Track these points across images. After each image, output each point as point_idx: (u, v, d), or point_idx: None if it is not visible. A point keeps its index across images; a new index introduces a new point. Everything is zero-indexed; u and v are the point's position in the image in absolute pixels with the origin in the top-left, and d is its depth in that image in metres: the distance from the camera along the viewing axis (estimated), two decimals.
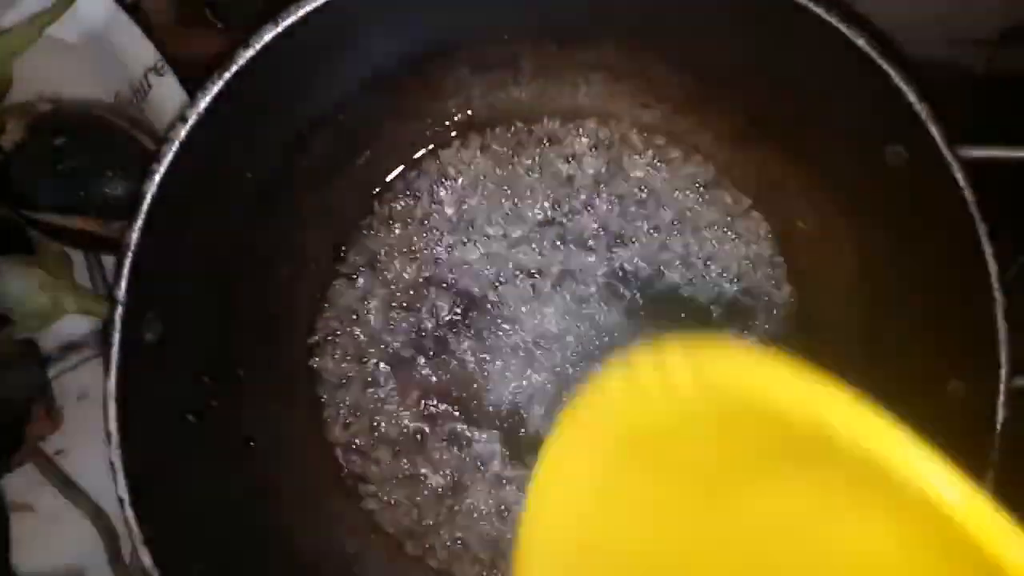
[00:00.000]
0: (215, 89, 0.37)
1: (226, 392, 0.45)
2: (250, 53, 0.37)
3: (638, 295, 0.50)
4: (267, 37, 0.38)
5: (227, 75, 0.37)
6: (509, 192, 0.51)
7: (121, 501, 0.37)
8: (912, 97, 0.39)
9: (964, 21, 0.54)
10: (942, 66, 0.55)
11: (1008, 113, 0.55)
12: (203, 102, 0.37)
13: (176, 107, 0.45)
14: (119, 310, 0.37)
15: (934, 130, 0.39)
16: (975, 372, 0.41)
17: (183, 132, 0.37)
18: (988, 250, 0.39)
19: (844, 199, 0.48)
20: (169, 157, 0.37)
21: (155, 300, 0.39)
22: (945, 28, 0.54)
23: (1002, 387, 0.40)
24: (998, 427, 0.40)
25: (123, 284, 0.37)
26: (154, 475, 0.39)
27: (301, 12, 0.38)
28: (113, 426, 0.37)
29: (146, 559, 0.37)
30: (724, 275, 0.51)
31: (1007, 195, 0.41)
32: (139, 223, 0.37)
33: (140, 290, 0.38)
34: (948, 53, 0.55)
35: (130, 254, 0.37)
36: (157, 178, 0.37)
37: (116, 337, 0.37)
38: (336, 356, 0.50)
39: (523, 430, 0.50)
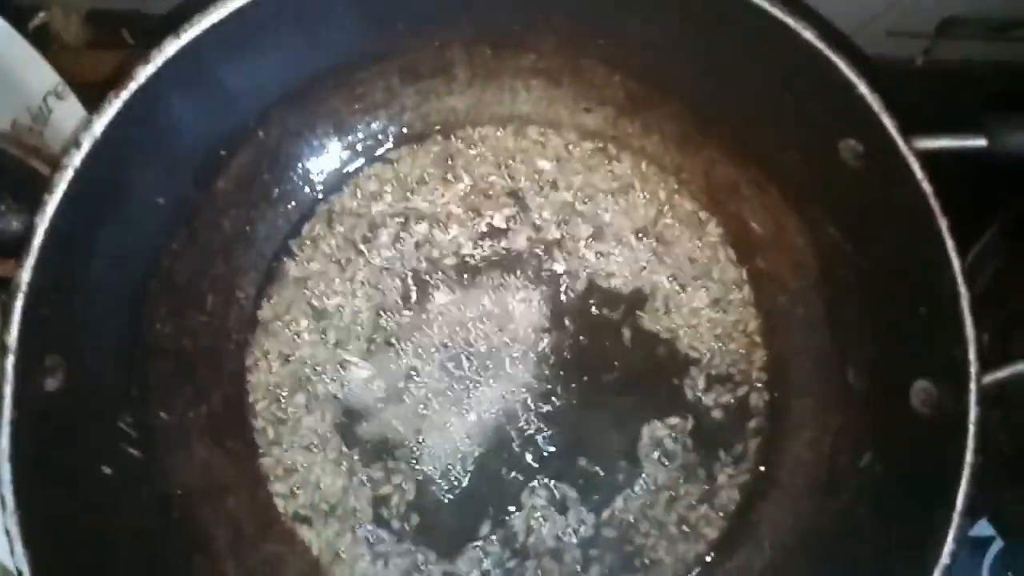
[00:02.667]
0: (112, 110, 0.34)
1: (147, 438, 0.41)
2: (150, 69, 0.34)
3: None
4: (169, 51, 0.34)
5: (125, 94, 0.34)
6: (447, 205, 0.48)
7: (20, 574, 0.33)
8: (864, 89, 0.38)
9: (901, 14, 0.54)
10: (882, 59, 0.55)
11: (948, 103, 0.55)
12: (99, 125, 0.34)
13: None
14: (9, 358, 0.33)
15: (887, 121, 0.38)
16: (943, 370, 0.40)
17: (78, 159, 0.34)
18: (950, 244, 0.38)
19: (798, 199, 0.46)
20: (63, 187, 0.34)
21: (55, 343, 0.35)
22: (883, 21, 0.54)
23: (972, 386, 0.38)
24: (971, 427, 0.38)
25: (14, 329, 0.33)
26: (63, 539, 0.35)
27: (205, 22, 0.35)
28: (7, 490, 0.33)
29: None
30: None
31: (953, 186, 0.40)
32: (31, 259, 0.33)
33: (36, 333, 0.34)
34: (887, 46, 0.55)
35: (21, 294, 0.33)
36: (50, 210, 0.34)
37: (7, 388, 0.33)
38: (269, 389, 0.47)
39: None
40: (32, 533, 0.33)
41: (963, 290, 0.38)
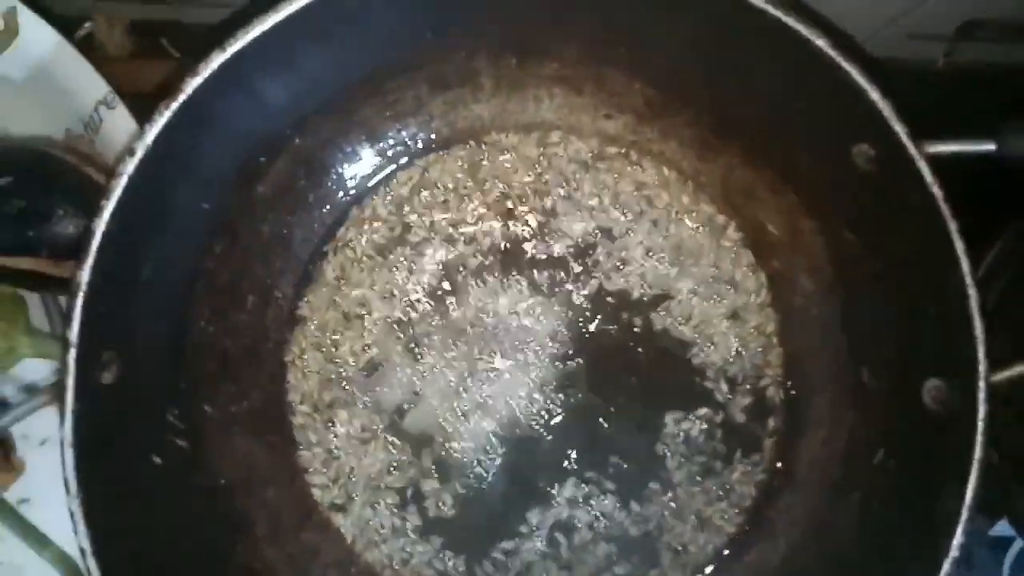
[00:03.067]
0: (163, 120, 0.36)
1: (193, 430, 0.44)
2: (197, 81, 0.36)
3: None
4: (214, 64, 0.37)
5: (175, 104, 0.36)
6: (475, 210, 0.50)
7: (83, 552, 0.35)
8: (875, 95, 0.39)
9: (922, 16, 0.54)
10: (903, 62, 0.55)
11: (968, 106, 0.55)
12: (151, 134, 0.36)
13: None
14: (72, 352, 0.35)
15: (898, 127, 0.39)
16: (954, 369, 0.41)
17: (131, 166, 0.36)
18: (959, 246, 0.39)
19: (813, 202, 0.47)
20: (118, 192, 0.36)
21: (111, 340, 0.38)
22: (904, 24, 0.54)
23: (982, 384, 0.39)
24: (979, 424, 0.39)
25: (75, 326, 0.35)
26: (119, 522, 0.37)
27: (248, 37, 0.37)
28: (71, 473, 0.35)
29: None
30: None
31: (969, 190, 0.41)
32: (89, 261, 0.36)
33: (94, 330, 0.37)
34: (908, 49, 0.55)
35: (81, 294, 0.36)
36: (107, 214, 0.36)
37: (70, 380, 0.36)
38: (306, 386, 0.49)
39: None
40: (93, 516, 0.36)
41: (972, 291, 0.39)
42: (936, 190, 0.39)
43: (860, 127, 0.41)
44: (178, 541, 0.41)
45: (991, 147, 0.39)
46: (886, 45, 0.53)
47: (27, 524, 0.47)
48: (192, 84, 0.37)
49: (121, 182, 0.36)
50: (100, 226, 0.36)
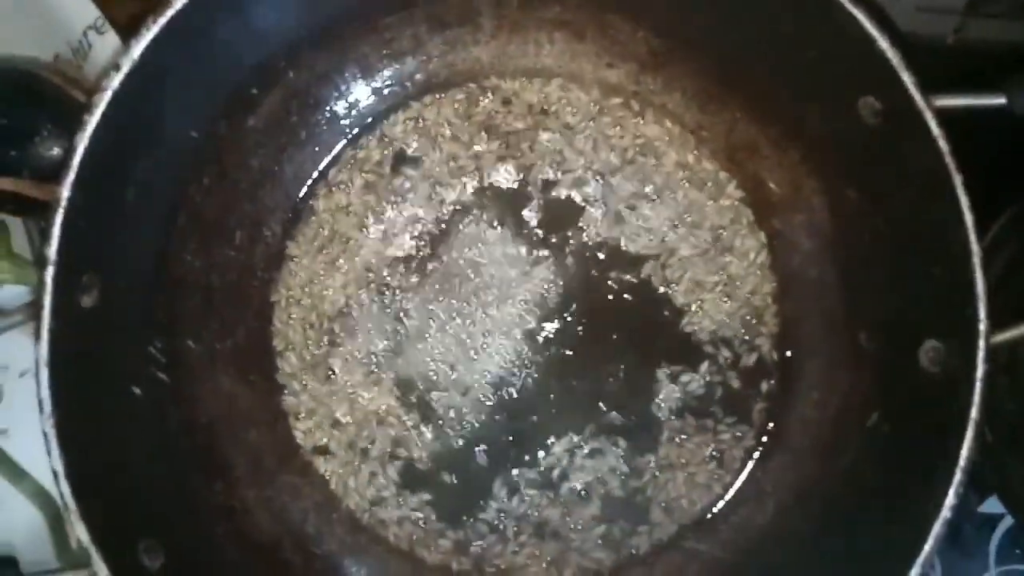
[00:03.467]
0: (150, 35, 0.35)
1: (175, 364, 0.43)
2: None
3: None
4: None
5: (163, 20, 0.35)
6: (470, 154, 0.49)
7: (55, 473, 0.35)
8: (884, 44, 0.38)
9: None
10: (912, 36, 0.54)
11: (977, 82, 0.54)
12: (137, 49, 0.35)
13: None
14: (50, 270, 0.34)
15: (906, 77, 0.38)
16: (953, 329, 0.40)
17: (116, 81, 0.35)
18: (964, 201, 0.38)
19: (816, 159, 0.46)
20: (102, 108, 0.35)
21: (92, 261, 0.37)
22: None
23: (981, 343, 0.39)
24: (978, 383, 0.38)
25: (53, 242, 0.35)
26: (93, 447, 0.37)
27: None
28: (45, 393, 0.35)
29: (83, 535, 0.35)
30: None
31: (981, 155, 0.40)
32: (71, 177, 0.35)
33: (74, 249, 0.36)
34: (918, 23, 0.54)
35: (61, 210, 0.35)
36: (89, 130, 0.35)
37: (47, 299, 0.35)
38: (293, 328, 0.48)
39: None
40: (66, 438, 0.35)
41: (975, 247, 0.38)
42: (942, 143, 0.38)
43: (867, 78, 0.40)
44: (154, 474, 0.41)
45: (1001, 100, 0.38)
46: (897, 19, 0.52)
47: (3, 455, 0.47)
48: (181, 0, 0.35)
49: (105, 97, 0.35)
50: (83, 142, 0.35)
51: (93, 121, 0.35)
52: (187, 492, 0.43)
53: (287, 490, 0.47)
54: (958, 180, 0.38)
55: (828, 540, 0.44)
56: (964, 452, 0.37)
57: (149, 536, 0.38)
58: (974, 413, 0.37)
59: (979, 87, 0.39)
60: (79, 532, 0.35)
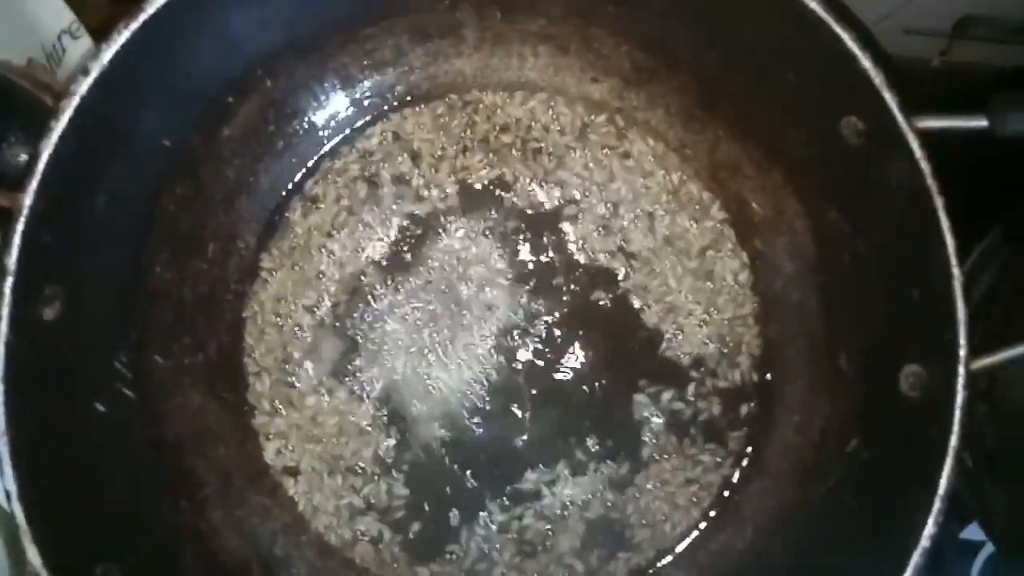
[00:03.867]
0: (121, 39, 0.34)
1: (142, 380, 0.42)
2: (160, 1, 0.34)
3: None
4: None
5: (135, 24, 0.34)
6: (449, 168, 0.49)
7: (7, 494, 0.33)
8: (867, 63, 0.37)
9: (918, 11, 0.53)
10: (898, 59, 0.54)
11: (962, 105, 0.55)
12: (108, 53, 0.34)
13: None
14: (8, 280, 0.33)
15: (889, 97, 0.37)
16: (933, 354, 0.39)
17: (85, 87, 0.34)
18: (945, 223, 0.37)
19: (799, 180, 0.46)
20: (69, 113, 0.34)
21: (56, 273, 0.36)
22: (900, 17, 0.54)
23: (961, 369, 0.38)
24: (957, 411, 0.38)
25: (13, 251, 0.33)
26: (51, 467, 0.35)
27: None
28: (1, 409, 0.33)
29: (35, 559, 0.33)
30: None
31: (957, 189, 0.40)
32: (34, 184, 0.34)
33: (37, 260, 0.34)
34: (904, 46, 0.55)
35: (23, 219, 0.34)
36: (55, 136, 0.34)
37: (5, 311, 0.33)
38: (265, 343, 0.47)
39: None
40: (21, 457, 0.34)
41: (956, 271, 0.38)
42: (924, 164, 0.38)
43: (850, 97, 0.39)
44: (117, 494, 0.39)
45: (983, 123, 0.38)
46: (883, 41, 0.52)
47: None
48: (155, 4, 0.34)
49: (73, 102, 0.34)
50: (48, 148, 0.34)
51: (59, 127, 0.34)
52: (151, 513, 0.41)
53: (256, 511, 0.46)
54: (940, 202, 0.38)
55: (807, 567, 0.43)
56: (943, 480, 0.37)
57: (108, 560, 0.37)
58: (953, 440, 0.37)
59: (962, 108, 0.39)
60: (30, 556, 0.34)
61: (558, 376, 0.48)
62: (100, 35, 0.42)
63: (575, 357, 0.48)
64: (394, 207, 0.48)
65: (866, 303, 0.44)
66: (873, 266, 0.43)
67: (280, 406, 0.47)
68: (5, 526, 0.46)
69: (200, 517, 0.44)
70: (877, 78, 0.37)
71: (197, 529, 0.43)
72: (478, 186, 0.49)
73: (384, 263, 0.48)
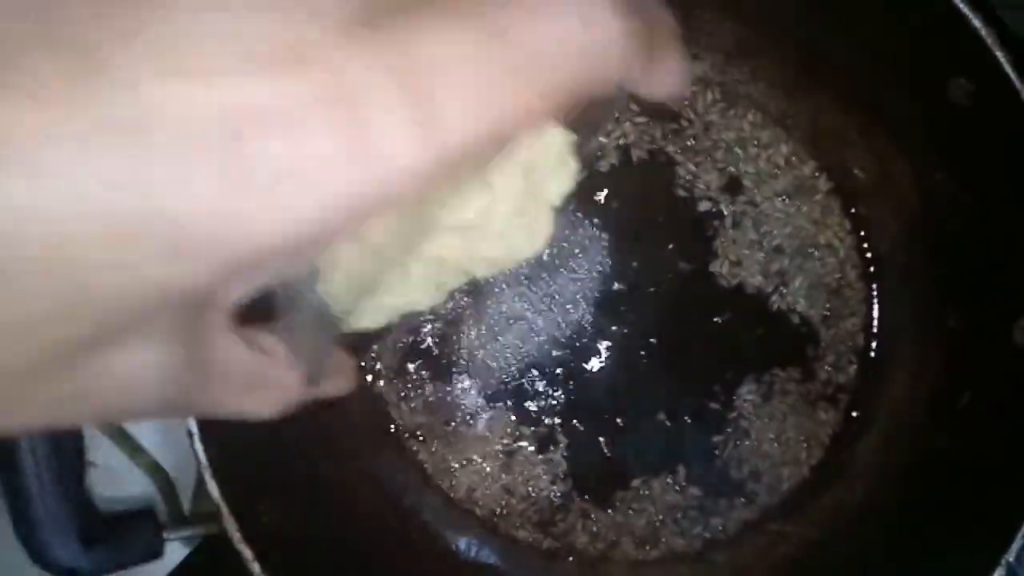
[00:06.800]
0: None
1: None
2: None
3: None
4: None
5: None
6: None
7: (190, 435, 0.37)
8: (977, 22, 0.38)
9: None
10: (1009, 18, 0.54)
11: None
12: None
13: None
14: None
15: (1001, 56, 0.38)
16: None
17: None
18: None
19: (905, 143, 0.47)
20: None
21: None
22: None
23: None
24: None
25: None
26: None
27: None
28: None
29: (214, 490, 0.37)
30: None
31: None
32: None
33: None
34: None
35: None
36: None
37: None
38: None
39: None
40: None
41: None
42: None
43: (959, 59, 0.40)
44: (270, 444, 0.43)
45: None
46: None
47: (123, 433, 0.50)
48: None
49: None
50: None
51: None
52: (299, 465, 0.45)
53: (385, 468, 0.49)
54: None
55: (920, 522, 0.44)
56: None
57: (268, 498, 0.41)
58: None
59: None
60: (210, 489, 0.38)
61: (659, 343, 0.50)
62: None
63: (678, 326, 0.50)
64: None
65: (975, 261, 0.45)
66: (983, 223, 0.43)
67: (402, 374, 0.50)
68: (160, 480, 0.51)
69: (337, 472, 0.47)
70: (989, 38, 0.38)
71: (335, 481, 0.47)
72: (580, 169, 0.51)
73: None
